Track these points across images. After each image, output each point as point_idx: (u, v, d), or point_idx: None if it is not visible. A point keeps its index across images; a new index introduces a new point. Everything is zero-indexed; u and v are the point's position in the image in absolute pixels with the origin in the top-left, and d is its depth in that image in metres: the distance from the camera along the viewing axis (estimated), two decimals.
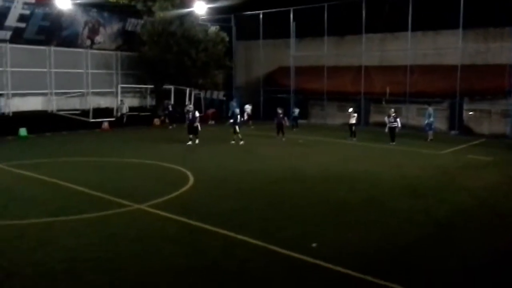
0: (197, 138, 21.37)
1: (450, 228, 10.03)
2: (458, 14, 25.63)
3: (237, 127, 21.71)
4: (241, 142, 21.37)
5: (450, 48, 27.11)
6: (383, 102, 28.78)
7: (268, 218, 10.40)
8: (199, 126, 21.50)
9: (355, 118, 23.69)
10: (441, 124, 27.42)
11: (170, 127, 28.61)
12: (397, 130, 21.65)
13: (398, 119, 21.74)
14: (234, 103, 31.88)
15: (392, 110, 22.30)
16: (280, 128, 23.24)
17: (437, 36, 28.23)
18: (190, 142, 21.11)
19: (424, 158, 18.70)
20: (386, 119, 22.16)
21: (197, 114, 21.77)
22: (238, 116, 22.28)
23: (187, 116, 22.31)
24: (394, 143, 21.29)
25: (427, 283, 7.23)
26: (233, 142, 21.62)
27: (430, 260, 8.10)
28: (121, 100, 29.08)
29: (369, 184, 13.93)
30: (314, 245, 7.91)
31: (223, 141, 22.30)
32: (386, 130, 21.83)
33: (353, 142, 22.76)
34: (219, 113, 33.45)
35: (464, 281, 7.40)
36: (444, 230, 9.92)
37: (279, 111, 23.78)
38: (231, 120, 22.66)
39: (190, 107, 22.87)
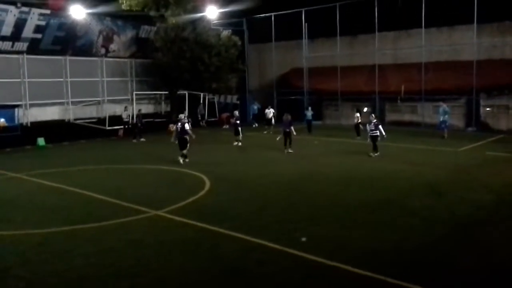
0: (184, 156, 17.83)
1: (471, 226, 9.92)
2: (472, 8, 25.27)
3: (239, 129, 22.61)
4: (236, 143, 22.41)
5: (466, 43, 26.78)
6: (398, 101, 28.52)
7: (285, 221, 10.37)
8: (188, 140, 17.93)
9: (358, 118, 23.79)
10: (458, 121, 27.07)
11: (134, 140, 25.00)
12: (379, 139, 18.68)
13: (380, 127, 18.74)
14: (254, 106, 32.04)
15: (373, 115, 19.44)
16: (287, 136, 20.08)
17: (452, 32, 27.86)
18: (181, 160, 17.71)
19: (441, 156, 18.49)
20: (367, 126, 19.43)
21: (187, 126, 17.87)
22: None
23: (176, 127, 18.43)
24: (377, 153, 18.45)
25: (450, 282, 7.13)
26: (235, 143, 22.44)
27: (452, 259, 8.00)
28: (125, 107, 27.62)
29: (386, 183, 13.84)
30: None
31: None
32: (368, 140, 19.20)
33: (357, 141, 22.64)
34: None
35: (487, 279, 7.28)
36: (465, 228, 9.80)
37: (288, 117, 20.33)
38: (238, 121, 22.87)
39: (181, 116, 18.53)
